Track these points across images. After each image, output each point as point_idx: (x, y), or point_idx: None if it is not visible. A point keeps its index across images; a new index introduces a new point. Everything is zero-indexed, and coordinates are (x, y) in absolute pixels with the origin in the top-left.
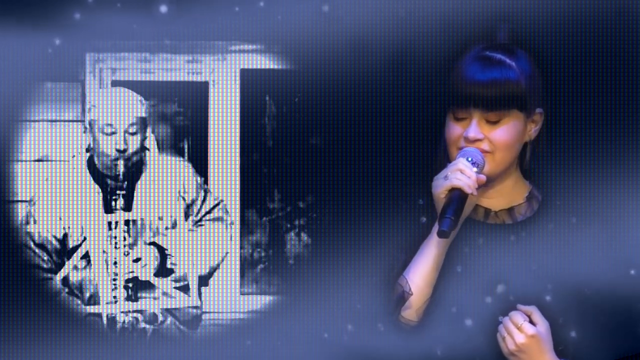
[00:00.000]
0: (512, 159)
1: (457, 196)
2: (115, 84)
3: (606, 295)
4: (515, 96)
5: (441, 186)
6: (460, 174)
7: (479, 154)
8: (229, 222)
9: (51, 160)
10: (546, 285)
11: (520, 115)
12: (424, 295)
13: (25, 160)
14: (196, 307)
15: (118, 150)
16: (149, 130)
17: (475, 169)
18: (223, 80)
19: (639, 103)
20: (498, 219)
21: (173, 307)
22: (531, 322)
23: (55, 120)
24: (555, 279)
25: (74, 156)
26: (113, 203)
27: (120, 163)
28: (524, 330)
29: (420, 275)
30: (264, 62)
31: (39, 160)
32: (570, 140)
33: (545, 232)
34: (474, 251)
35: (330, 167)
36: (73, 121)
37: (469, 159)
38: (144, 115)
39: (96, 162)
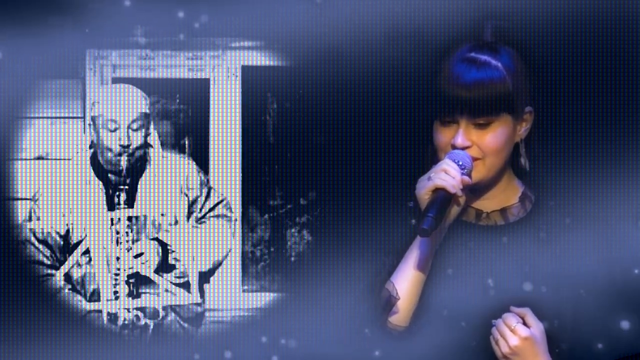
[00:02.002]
0: (502, 162)
1: (441, 196)
2: (115, 81)
3: (602, 296)
4: (502, 98)
5: (424, 187)
6: (445, 174)
7: (467, 157)
8: (232, 219)
9: (53, 159)
10: (540, 287)
11: (509, 118)
12: (411, 300)
13: (26, 159)
14: (198, 304)
15: (121, 146)
16: (152, 126)
17: (461, 170)
18: (224, 77)
19: (634, 102)
20: (490, 220)
21: (175, 303)
22: (525, 324)
23: (56, 117)
24: (550, 280)
25: (77, 152)
26: (116, 199)
27: (123, 159)
28: (518, 332)
29: (406, 279)
30: (264, 59)
31: (39, 158)
32: (564, 139)
33: (539, 233)
34: (466, 253)
35: (331, 164)
36: (73, 118)
37: (456, 160)
38: (146, 111)
39: (99, 158)
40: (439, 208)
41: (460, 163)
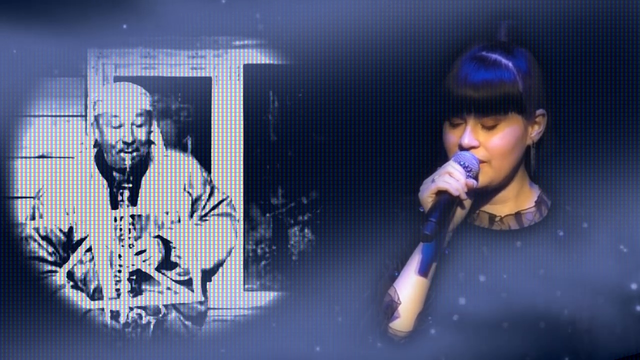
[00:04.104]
0: (511, 165)
1: (445, 200)
2: (117, 79)
3: (619, 303)
4: (511, 99)
5: (427, 189)
6: (449, 176)
7: (474, 159)
8: (235, 217)
9: (54, 157)
10: (555, 292)
11: (519, 119)
12: (414, 306)
13: (28, 157)
14: (201, 303)
15: (125, 143)
16: (154, 123)
17: (467, 173)
18: (226, 76)
19: None
20: (504, 225)
21: (177, 302)
22: None
23: (58, 116)
24: (565, 286)
25: (79, 151)
26: (119, 197)
27: (127, 156)
28: None
29: (409, 284)
30: (266, 57)
31: (41, 157)
32: (582, 143)
33: (554, 238)
34: (478, 258)
35: (334, 163)
36: (75, 116)
37: (462, 162)
38: (149, 108)
39: (104, 156)
40: (441, 212)
41: (466, 165)
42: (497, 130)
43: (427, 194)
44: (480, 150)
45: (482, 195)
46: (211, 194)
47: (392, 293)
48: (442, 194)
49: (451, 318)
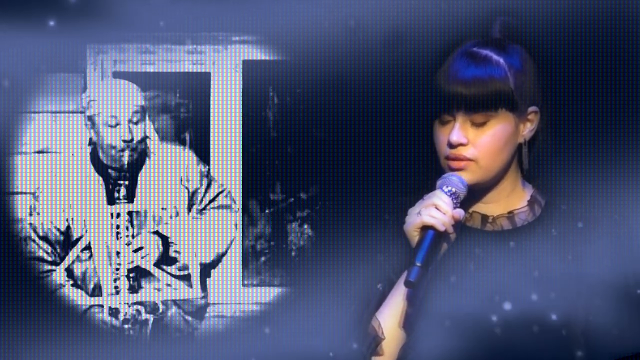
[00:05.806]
0: (501, 164)
1: (431, 236)
2: (116, 75)
3: (615, 303)
4: (502, 96)
5: (412, 223)
6: (435, 210)
7: (460, 182)
8: (234, 209)
9: (53, 152)
10: (549, 294)
11: (510, 116)
12: (397, 340)
13: (27, 153)
14: (202, 298)
15: (124, 141)
16: (147, 118)
17: (454, 201)
18: (225, 71)
19: None
20: (496, 226)
21: (177, 298)
22: None
23: (57, 112)
24: (560, 287)
25: (77, 147)
26: (116, 194)
27: (126, 154)
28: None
29: (393, 317)
30: (265, 53)
31: (40, 152)
32: (577, 140)
33: (548, 238)
34: (471, 260)
35: (333, 158)
36: (74, 112)
37: (449, 188)
38: (143, 103)
39: (100, 154)
40: (427, 251)
41: (453, 191)
42: (486, 127)
43: (412, 228)
44: (469, 148)
45: (473, 194)
46: (209, 186)
47: (377, 326)
48: (427, 228)
49: (443, 323)
